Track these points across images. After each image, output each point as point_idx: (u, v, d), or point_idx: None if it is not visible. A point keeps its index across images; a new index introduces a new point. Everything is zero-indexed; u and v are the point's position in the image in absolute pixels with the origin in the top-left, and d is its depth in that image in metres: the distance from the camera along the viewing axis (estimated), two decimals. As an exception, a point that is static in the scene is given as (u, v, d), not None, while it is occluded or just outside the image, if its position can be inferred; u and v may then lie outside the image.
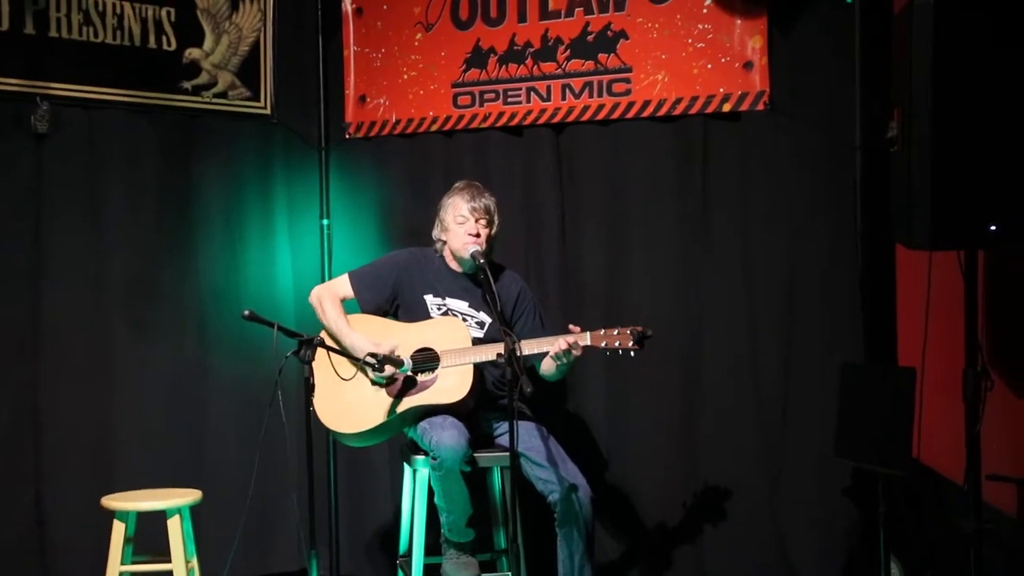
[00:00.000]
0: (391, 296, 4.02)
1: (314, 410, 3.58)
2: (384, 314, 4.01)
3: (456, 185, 4.04)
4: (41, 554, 4.32)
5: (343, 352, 3.74)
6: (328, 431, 3.94)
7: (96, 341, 4.45)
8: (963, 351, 3.31)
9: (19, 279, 4.32)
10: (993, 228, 3.12)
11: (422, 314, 3.97)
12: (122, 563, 3.83)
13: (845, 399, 3.81)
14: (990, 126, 3.10)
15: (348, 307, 4.01)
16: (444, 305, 3.99)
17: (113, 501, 3.87)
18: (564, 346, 3.66)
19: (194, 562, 3.97)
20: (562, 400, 4.54)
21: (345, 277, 4.06)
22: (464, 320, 3.94)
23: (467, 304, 4.00)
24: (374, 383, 3.82)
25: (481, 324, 3.98)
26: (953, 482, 3.70)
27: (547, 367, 3.87)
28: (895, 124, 3.36)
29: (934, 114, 3.10)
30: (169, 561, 3.85)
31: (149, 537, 3.97)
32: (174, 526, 3.85)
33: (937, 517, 3.94)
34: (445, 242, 4.01)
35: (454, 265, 4.04)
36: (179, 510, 3.87)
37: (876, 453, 3.59)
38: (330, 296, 3.98)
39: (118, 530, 3.83)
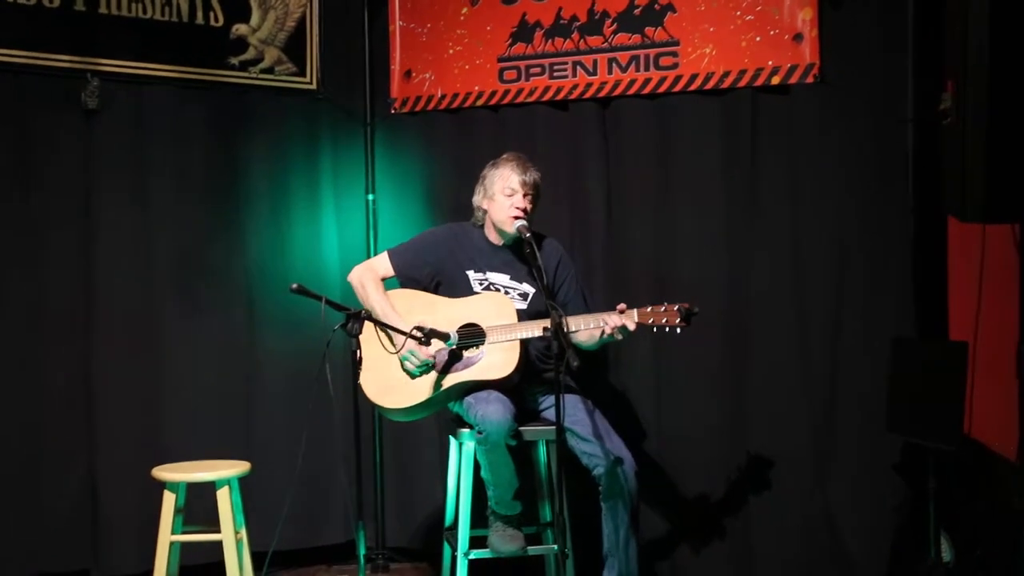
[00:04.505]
0: (431, 273, 4.02)
1: (360, 385, 3.60)
2: (424, 290, 4.02)
3: (504, 156, 4.02)
4: (94, 524, 4.40)
5: (390, 326, 3.74)
6: (373, 406, 3.96)
7: (146, 315, 4.50)
8: (1016, 326, 3.28)
9: (70, 254, 4.38)
10: (1049, 200, 3.07)
11: (464, 289, 3.97)
12: (172, 533, 3.88)
13: (895, 373, 3.79)
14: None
15: (388, 284, 4.02)
16: (485, 279, 3.98)
17: (163, 472, 3.91)
18: (618, 323, 3.63)
19: (243, 533, 4.01)
20: (607, 373, 4.53)
21: (384, 256, 4.07)
22: (507, 293, 3.94)
23: (508, 277, 3.99)
24: (411, 375, 3.83)
25: (524, 296, 3.97)
26: (1004, 458, 3.67)
27: (584, 337, 3.84)
28: (948, 96, 3.31)
29: (991, 84, 3.05)
30: (218, 531, 3.89)
31: (199, 508, 4.03)
32: (223, 497, 3.89)
33: (988, 493, 3.90)
34: (486, 211, 4.00)
35: (494, 238, 4.03)
36: (228, 481, 3.91)
37: (926, 428, 3.57)
38: (372, 276, 3.99)
39: (168, 501, 3.88)
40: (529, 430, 3.83)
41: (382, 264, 4.05)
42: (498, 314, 3.84)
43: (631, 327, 3.66)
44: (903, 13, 4.08)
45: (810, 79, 4.19)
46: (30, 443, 4.30)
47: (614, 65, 4.50)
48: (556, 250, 4.05)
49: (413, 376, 3.83)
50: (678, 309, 3.67)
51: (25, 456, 4.29)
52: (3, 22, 4.19)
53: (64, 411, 4.36)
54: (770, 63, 4.25)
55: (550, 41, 4.60)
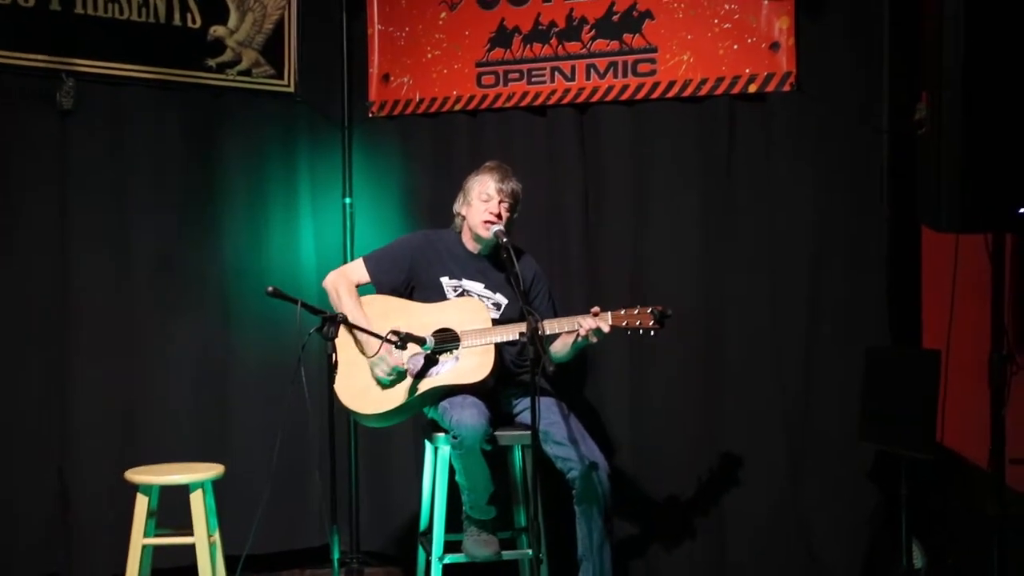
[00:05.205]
0: (406, 279, 4.01)
1: (335, 391, 3.59)
2: (399, 296, 4.01)
3: (487, 164, 4.03)
4: (65, 527, 4.36)
5: (366, 330, 3.73)
6: (348, 412, 3.95)
7: (121, 317, 4.47)
8: (989, 335, 3.30)
9: (45, 255, 4.35)
10: (1022, 211, 3.10)
11: (438, 296, 3.97)
12: (145, 536, 3.85)
13: (869, 382, 3.81)
14: (1021, 107, 3.07)
15: (363, 290, 4.01)
16: (460, 286, 3.99)
17: (136, 475, 3.88)
18: (592, 326, 3.65)
19: (216, 536, 3.99)
20: (582, 376, 4.54)
21: (360, 262, 4.06)
22: (481, 301, 3.95)
23: (482, 286, 4.00)
24: (379, 383, 3.83)
25: (497, 305, 3.98)
26: (977, 466, 3.70)
27: (559, 347, 3.88)
28: (923, 106, 3.34)
29: (964, 95, 3.07)
30: (191, 535, 3.86)
31: (172, 511, 3.98)
32: (196, 500, 3.86)
33: (960, 501, 3.93)
34: (464, 218, 4.01)
35: (471, 246, 4.03)
36: (202, 484, 3.88)
37: (900, 436, 3.59)
38: (345, 282, 3.98)
39: (141, 504, 3.85)
40: (504, 435, 3.83)
41: (357, 270, 4.04)
42: (472, 319, 3.85)
43: (605, 329, 3.68)
44: (879, 23, 4.12)
45: (787, 88, 4.22)
46: (1, 445, 4.26)
47: (592, 71, 4.51)
48: (531, 265, 4.07)
49: (383, 384, 3.83)
50: (651, 311, 3.70)
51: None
52: (-24, 21, 4.16)
53: (37, 413, 4.33)
54: (747, 71, 4.27)
55: (528, 46, 4.61)
